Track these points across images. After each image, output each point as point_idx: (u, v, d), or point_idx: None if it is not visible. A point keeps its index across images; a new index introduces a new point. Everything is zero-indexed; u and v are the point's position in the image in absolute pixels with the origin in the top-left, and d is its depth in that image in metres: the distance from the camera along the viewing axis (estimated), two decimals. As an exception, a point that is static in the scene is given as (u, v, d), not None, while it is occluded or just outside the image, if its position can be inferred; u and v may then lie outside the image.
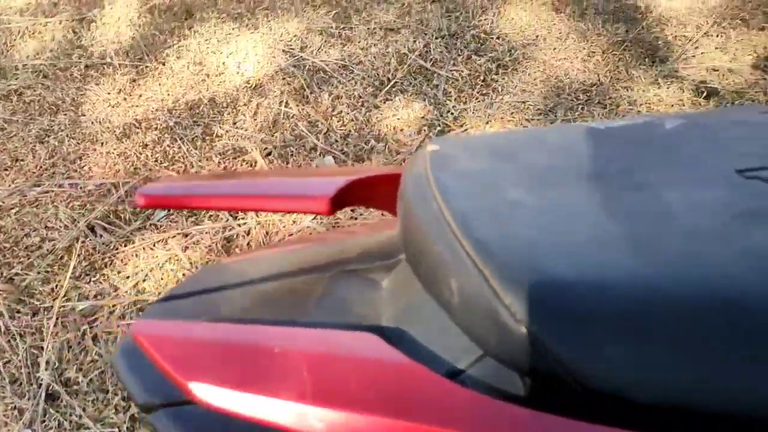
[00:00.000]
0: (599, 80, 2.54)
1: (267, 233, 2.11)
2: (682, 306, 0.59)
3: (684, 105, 2.39)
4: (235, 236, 2.11)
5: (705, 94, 2.40)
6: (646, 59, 2.61)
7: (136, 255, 2.08)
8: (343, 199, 0.85)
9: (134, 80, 2.71)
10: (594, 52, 2.66)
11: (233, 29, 2.92)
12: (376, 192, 0.91)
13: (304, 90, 2.59)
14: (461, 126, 2.40)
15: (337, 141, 2.39)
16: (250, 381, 0.60)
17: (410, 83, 2.59)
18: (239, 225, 2.14)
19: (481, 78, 2.60)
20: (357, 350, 0.66)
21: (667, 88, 2.46)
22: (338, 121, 2.46)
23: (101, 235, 2.14)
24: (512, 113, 2.44)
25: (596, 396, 0.59)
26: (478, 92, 2.54)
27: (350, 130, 2.43)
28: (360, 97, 2.55)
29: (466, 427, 0.59)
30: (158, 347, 0.60)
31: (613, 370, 0.58)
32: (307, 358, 0.63)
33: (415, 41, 2.78)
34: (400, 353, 0.66)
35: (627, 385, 0.58)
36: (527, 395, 0.65)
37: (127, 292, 1.98)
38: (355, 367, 0.63)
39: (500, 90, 2.54)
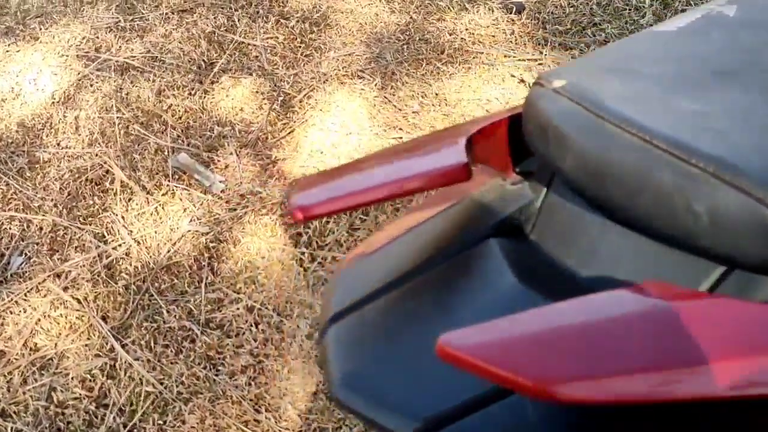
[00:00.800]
0: (411, 18, 2.58)
1: (148, 249, 1.96)
2: None
3: (499, 25, 2.50)
4: (114, 261, 1.93)
5: (514, 9, 2.52)
6: (446, -11, 2.69)
7: (10, 312, 1.84)
8: (471, 160, 0.83)
9: None
10: (394, -7, 2.70)
11: (10, 45, 2.62)
12: (490, 146, 0.87)
13: (121, 91, 2.39)
14: (299, 91, 2.35)
15: (180, 136, 2.24)
16: (598, 364, 0.56)
17: (230, 60, 2.48)
18: (114, 249, 1.96)
19: (299, 40, 2.54)
20: (643, 305, 0.63)
21: (477, 11, 2.56)
22: (173, 116, 2.31)
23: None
24: (344, 67, 2.42)
25: None
26: (302, 54, 2.49)
27: (189, 122, 2.29)
28: (184, 86, 2.40)
29: None
30: (485, 358, 0.54)
31: None
32: (620, 324, 0.60)
33: (216, 18, 2.65)
34: (688, 291, 0.66)
35: None
36: None
37: (18, 354, 1.76)
38: (666, 320, 0.61)
39: (323, 48, 2.51)
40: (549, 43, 2.37)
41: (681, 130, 0.70)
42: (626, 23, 2.39)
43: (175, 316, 1.83)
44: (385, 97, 2.30)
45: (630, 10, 2.43)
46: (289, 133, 2.24)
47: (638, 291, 0.62)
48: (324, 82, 2.38)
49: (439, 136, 0.88)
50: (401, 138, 2.15)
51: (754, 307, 0.61)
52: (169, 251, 1.96)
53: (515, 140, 0.89)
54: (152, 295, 1.88)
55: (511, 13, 2.51)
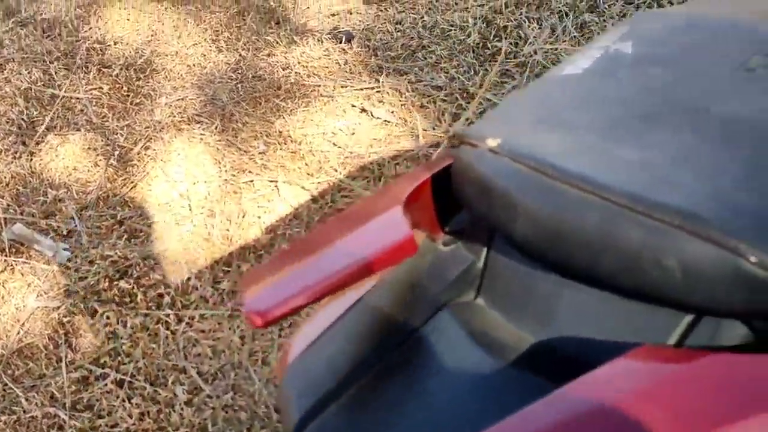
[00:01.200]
0: (241, 55, 2.53)
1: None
2: None
3: (331, 55, 2.49)
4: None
5: (343, 39, 2.52)
6: (271, 22, 2.65)
7: None
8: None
9: None
10: (218, 30, 2.63)
11: None
12: (418, 209, 0.84)
13: (-66, 164, 2.18)
14: (135, 143, 2.24)
15: (11, 205, 2.08)
16: None
17: (54, 117, 2.33)
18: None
19: (125, 89, 2.42)
20: (637, 377, 0.61)
21: (306, 43, 2.54)
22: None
23: None
24: (179, 113, 2.33)
25: None
26: (131, 103, 2.37)
27: (18, 188, 2.12)
28: (6, 149, 2.23)
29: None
30: None
31: None
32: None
33: (30, 72, 2.48)
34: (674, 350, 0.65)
35: None
36: (755, 343, 0.67)
37: None
38: (652, 392, 0.60)
39: (153, 94, 2.40)
40: (383, 70, 2.39)
41: (634, 182, 0.69)
42: (453, 43, 2.45)
43: (36, 403, 1.68)
44: (227, 140, 2.23)
45: (455, 30, 2.50)
46: (132, 188, 2.13)
47: (634, 361, 0.61)
48: (160, 130, 2.28)
49: (374, 206, 0.85)
50: (253, 182, 2.10)
51: (749, 359, 0.62)
52: (18, 333, 1.81)
53: (439, 198, 0.88)
54: (6, 384, 1.73)
55: (341, 43, 2.51)
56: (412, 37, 2.50)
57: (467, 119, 2.13)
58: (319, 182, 2.07)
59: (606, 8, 2.49)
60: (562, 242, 0.71)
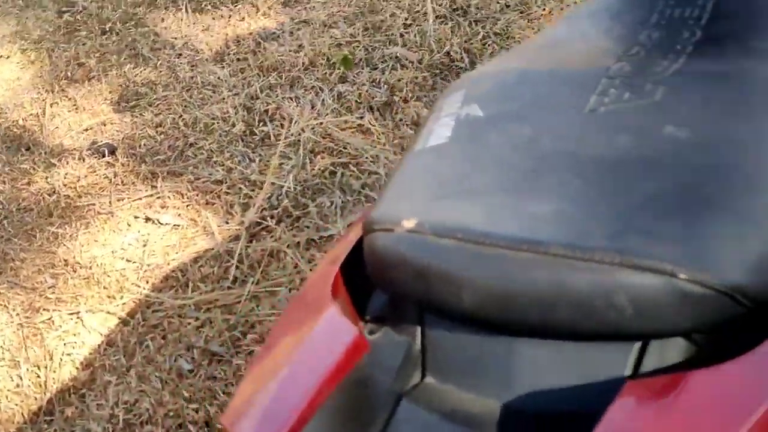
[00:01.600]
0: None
1: None
2: None
3: (97, 171, 2.40)
4: None
5: (105, 152, 2.44)
6: (21, 149, 2.51)
7: None
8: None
9: None
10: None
11: None
12: (339, 303, 0.82)
13: None
14: None
15: None
16: None
17: None
18: None
19: None
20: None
21: (67, 164, 2.44)
22: None
23: None
24: None
25: None
26: None
27: None
28: None
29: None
30: None
31: None
32: None
33: None
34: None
35: None
36: (697, 355, 0.73)
37: None
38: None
39: None
40: (158, 175, 2.35)
41: (560, 233, 0.73)
42: (220, 136, 2.46)
43: None
44: (8, 282, 2.08)
45: (218, 122, 2.52)
46: None
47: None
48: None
49: (307, 312, 0.83)
50: (52, 319, 1.96)
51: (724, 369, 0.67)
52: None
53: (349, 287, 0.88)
54: None
55: (104, 157, 2.44)
56: (177, 137, 2.49)
57: (261, 207, 2.16)
58: (123, 303, 1.98)
59: (355, 77, 2.64)
60: (513, 304, 0.73)
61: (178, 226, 2.19)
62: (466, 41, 2.77)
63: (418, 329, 0.83)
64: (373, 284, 0.87)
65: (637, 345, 0.74)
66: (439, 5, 2.99)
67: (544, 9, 2.94)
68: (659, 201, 0.75)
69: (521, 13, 2.93)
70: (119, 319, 1.95)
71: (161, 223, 2.20)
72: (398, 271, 0.79)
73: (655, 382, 0.70)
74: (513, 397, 0.78)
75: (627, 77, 0.91)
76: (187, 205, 2.24)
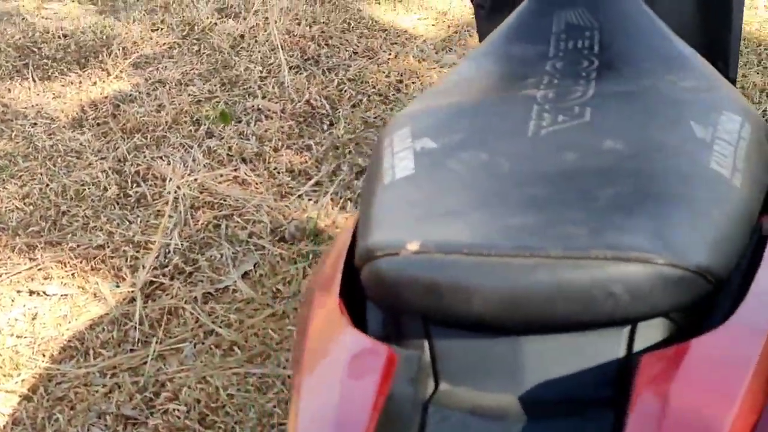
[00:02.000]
0: None
1: None
2: None
3: None
4: None
5: None
6: None
7: None
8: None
9: None
10: None
11: None
12: None
13: None
14: None
15: None
16: None
17: None
18: None
19: None
20: None
21: None
22: None
23: None
24: None
25: None
26: None
27: None
28: None
29: None
30: None
31: None
32: None
33: None
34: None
35: None
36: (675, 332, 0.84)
37: None
38: None
39: None
40: (36, 247, 2.30)
41: (554, 237, 0.82)
42: (94, 201, 2.44)
43: None
44: None
45: (89, 187, 2.49)
46: None
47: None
48: None
49: (327, 342, 0.87)
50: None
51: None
52: None
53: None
54: None
55: None
56: (47, 207, 2.44)
57: (151, 266, 2.17)
58: (22, 379, 1.93)
59: (222, 132, 2.70)
60: (520, 305, 0.81)
61: (67, 295, 2.15)
62: (323, 89, 2.91)
63: (424, 341, 0.89)
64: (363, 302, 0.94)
65: (627, 328, 0.84)
66: (291, 56, 3.12)
67: (390, 54, 3.13)
68: (621, 202, 0.87)
69: (370, 59, 3.11)
70: (21, 396, 1.90)
71: (48, 295, 2.16)
72: (408, 290, 0.85)
73: (663, 354, 0.81)
74: (525, 388, 0.86)
75: (554, 102, 1.03)
76: (73, 274, 2.21)
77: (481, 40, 1.72)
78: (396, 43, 3.21)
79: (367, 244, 0.89)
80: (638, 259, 0.80)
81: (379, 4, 3.53)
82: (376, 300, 0.91)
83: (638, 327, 0.84)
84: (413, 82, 2.94)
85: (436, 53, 3.14)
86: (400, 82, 2.95)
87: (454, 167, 0.96)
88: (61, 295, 2.16)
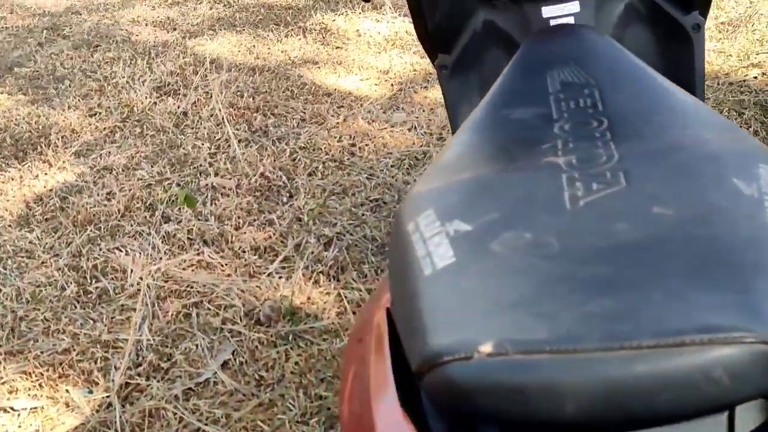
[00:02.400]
0: None
1: None
2: None
3: None
4: None
5: None
6: None
7: None
8: None
9: None
10: None
11: None
12: None
13: None
14: None
15: None
16: None
17: None
18: None
19: None
20: None
21: None
22: None
23: None
24: None
25: None
26: None
27: None
28: None
29: None
30: None
31: None
32: None
33: None
34: None
35: None
36: None
37: None
38: None
39: None
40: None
41: (639, 324, 0.76)
42: (52, 302, 2.32)
43: None
44: None
45: (45, 288, 2.37)
46: None
47: None
48: None
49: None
50: None
51: None
52: None
53: None
54: None
55: None
56: (3, 314, 2.31)
57: (126, 367, 2.06)
58: (0, 507, 1.80)
59: (178, 215, 2.61)
60: (616, 403, 0.75)
61: (36, 408, 2.02)
62: (275, 160, 2.86)
63: None
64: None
65: (725, 414, 0.79)
66: (238, 129, 3.06)
67: (338, 118, 3.10)
68: (697, 276, 0.81)
69: (319, 124, 3.07)
70: None
71: (15, 410, 2.03)
72: (487, 397, 0.78)
73: None
74: None
75: (581, 169, 0.97)
76: (40, 384, 2.08)
77: (446, 100, 1.69)
78: (342, 107, 3.19)
79: (429, 348, 0.81)
80: (735, 341, 0.75)
81: (319, 68, 3.51)
82: (445, 407, 0.84)
83: (736, 411, 0.80)
84: (366, 145, 2.91)
85: (384, 113, 3.13)
86: (353, 145, 2.92)
87: (498, 251, 0.88)
88: (31, 409, 2.03)
